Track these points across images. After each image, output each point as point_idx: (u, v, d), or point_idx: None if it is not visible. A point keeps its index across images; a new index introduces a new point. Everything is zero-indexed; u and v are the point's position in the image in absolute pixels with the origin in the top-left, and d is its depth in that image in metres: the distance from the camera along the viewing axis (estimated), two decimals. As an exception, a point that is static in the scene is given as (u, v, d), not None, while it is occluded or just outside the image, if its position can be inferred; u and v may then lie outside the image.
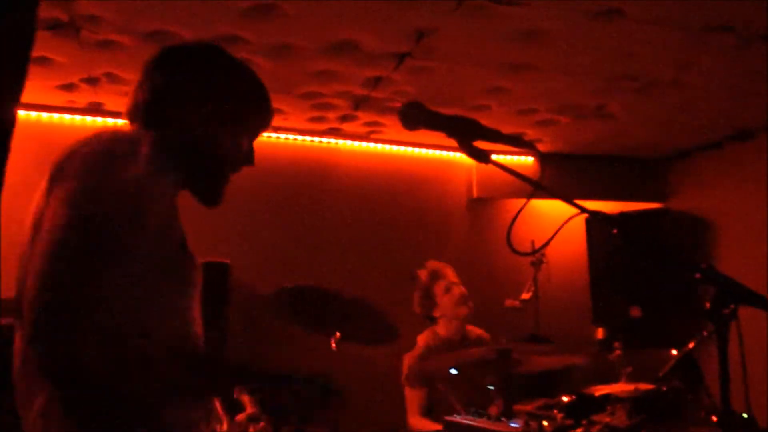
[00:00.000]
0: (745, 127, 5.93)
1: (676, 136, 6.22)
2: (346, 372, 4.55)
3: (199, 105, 1.96)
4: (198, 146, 1.97)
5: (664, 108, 5.26)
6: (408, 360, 4.40)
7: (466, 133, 1.92)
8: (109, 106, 5.02)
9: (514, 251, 2.00)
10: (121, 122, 5.07)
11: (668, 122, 5.67)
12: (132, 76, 1.87)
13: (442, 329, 4.47)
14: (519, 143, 2.00)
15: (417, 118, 1.95)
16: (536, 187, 2.01)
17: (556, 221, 2.15)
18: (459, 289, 4.46)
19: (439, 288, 4.48)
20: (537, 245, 5.26)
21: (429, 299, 4.47)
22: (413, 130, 1.96)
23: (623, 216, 6.34)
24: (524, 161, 6.31)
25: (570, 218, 2.09)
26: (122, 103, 4.77)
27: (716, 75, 4.59)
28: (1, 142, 1.18)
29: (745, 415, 2.52)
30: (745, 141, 6.12)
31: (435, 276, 4.51)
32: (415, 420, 4.24)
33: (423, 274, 4.54)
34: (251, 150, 2.11)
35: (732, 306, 1.93)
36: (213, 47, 2.10)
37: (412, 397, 4.30)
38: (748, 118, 5.69)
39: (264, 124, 2.16)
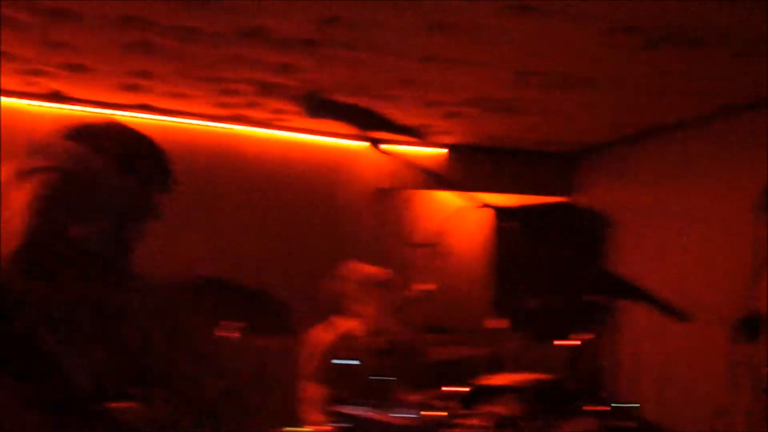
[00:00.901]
0: (649, 125, 6.09)
1: (583, 132, 6.34)
2: (248, 364, 4.54)
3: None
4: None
5: (572, 104, 5.34)
6: (306, 356, 4.32)
7: (364, 123, 1.93)
8: (5, 84, 4.86)
9: (405, 244, 2.02)
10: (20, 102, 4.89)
11: (576, 118, 5.77)
12: (30, 53, 1.80)
13: (354, 328, 4.42)
14: (414, 134, 2.02)
15: (317, 106, 1.95)
16: (433, 177, 2.03)
17: (462, 213, 2.16)
18: (396, 297, 4.38)
19: (375, 290, 4.39)
20: (440, 236, 5.35)
21: (358, 293, 4.37)
22: (314, 118, 1.96)
23: (526, 209, 6.45)
24: (436, 153, 6.37)
25: (462, 211, 2.12)
26: (20, 82, 4.59)
27: (624, 74, 4.69)
28: None
29: (629, 405, 2.60)
30: (650, 138, 6.29)
31: (377, 279, 4.42)
32: (311, 416, 4.18)
33: (364, 273, 4.45)
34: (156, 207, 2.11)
35: (621, 301, 1.99)
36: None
37: (318, 393, 4.25)
38: (653, 117, 5.84)
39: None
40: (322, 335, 4.34)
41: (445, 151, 6.48)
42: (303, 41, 4.08)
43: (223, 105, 5.29)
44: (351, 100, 1.96)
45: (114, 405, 2.87)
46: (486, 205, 2.04)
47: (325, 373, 4.16)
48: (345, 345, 4.27)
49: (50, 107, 5.10)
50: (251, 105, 5.28)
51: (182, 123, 5.53)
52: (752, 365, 2.62)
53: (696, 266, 5.75)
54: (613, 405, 2.54)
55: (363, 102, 2.01)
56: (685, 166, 6.01)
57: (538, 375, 3.78)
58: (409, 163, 2.01)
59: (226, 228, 5.63)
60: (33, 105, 5.06)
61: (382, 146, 1.98)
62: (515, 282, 6.42)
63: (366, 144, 1.95)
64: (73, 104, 5.13)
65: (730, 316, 2.68)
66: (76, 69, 4.53)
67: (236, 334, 3.98)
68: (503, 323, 6.20)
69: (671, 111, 5.64)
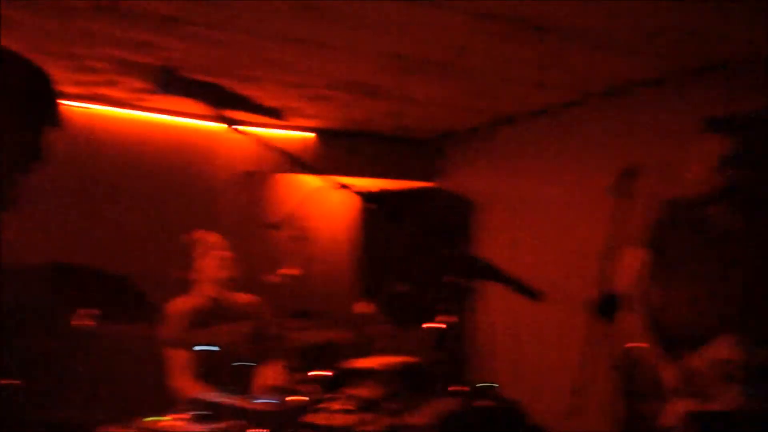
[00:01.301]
0: (513, 111, 6.22)
1: (448, 118, 6.42)
2: (108, 350, 4.40)
3: None
4: None
5: (438, 89, 5.40)
6: (164, 329, 4.23)
7: (219, 101, 1.88)
8: None
9: (267, 227, 1.99)
10: None
11: (441, 103, 5.83)
12: None
13: (199, 297, 4.34)
14: (273, 114, 1.98)
15: (170, 82, 1.89)
16: (297, 161, 2.01)
17: (324, 198, 2.15)
18: (220, 253, 4.36)
19: (199, 250, 4.36)
20: (305, 220, 5.32)
21: (190, 261, 4.33)
22: (167, 94, 1.90)
23: (390, 193, 6.50)
24: (303, 137, 6.32)
25: (324, 194, 2.10)
26: None
27: (488, 60, 4.76)
28: None
29: (488, 385, 2.65)
30: (513, 125, 6.43)
31: (201, 241, 4.38)
32: (184, 382, 4.08)
33: (189, 239, 4.40)
34: (38, 146, 1.93)
35: (472, 279, 2.02)
36: None
37: (177, 357, 4.15)
38: (517, 104, 5.97)
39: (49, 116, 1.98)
40: (179, 305, 4.25)
41: (312, 135, 6.44)
42: (163, 18, 3.96)
43: (79, 83, 5.07)
44: (213, 81, 1.91)
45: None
46: (346, 186, 2.03)
47: (180, 342, 4.06)
48: (195, 313, 4.19)
49: None
50: (109, 83, 5.09)
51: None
52: (607, 344, 2.72)
53: (555, 249, 5.93)
54: (474, 385, 2.58)
55: (226, 83, 1.96)
56: (545, 151, 6.17)
57: (402, 358, 3.82)
58: (272, 146, 1.97)
59: (82, 211, 5.41)
60: None
61: (246, 129, 1.95)
62: (381, 266, 6.47)
63: (228, 126, 1.91)
64: None
65: (587, 296, 2.77)
66: None
67: (91, 323, 3.85)
68: (369, 307, 6.24)
69: (530, 98, 5.78)
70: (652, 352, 3.46)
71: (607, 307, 2.61)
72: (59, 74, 4.89)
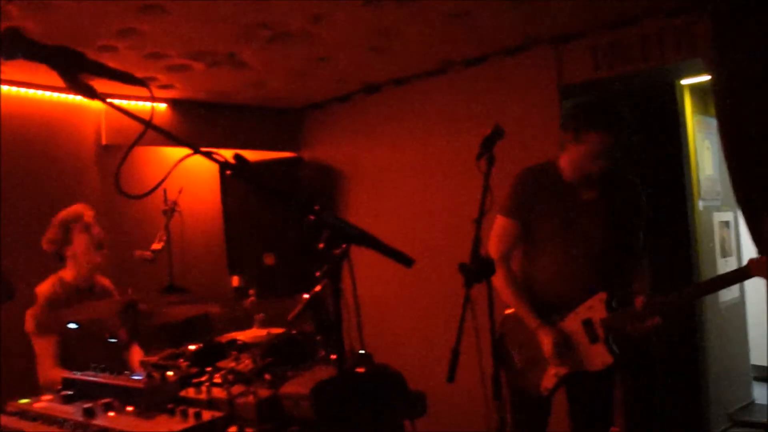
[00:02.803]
0: (373, 80, 6.24)
1: (310, 88, 6.39)
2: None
3: None
4: None
5: (298, 59, 5.35)
6: (32, 312, 4.05)
7: (69, 66, 1.77)
8: None
9: (123, 194, 1.90)
10: None
11: (302, 74, 5.79)
12: None
13: (69, 274, 4.17)
14: (128, 79, 1.89)
15: (14, 46, 1.76)
16: (159, 132, 1.93)
17: (190, 170, 2.08)
18: (98, 231, 4.19)
19: (77, 227, 4.16)
20: (169, 193, 5.19)
21: (64, 236, 4.13)
22: (11, 59, 1.77)
23: (254, 164, 6.41)
24: (156, 108, 6.12)
25: (181, 160, 2.03)
26: None
27: (347, 30, 4.74)
28: None
29: (362, 352, 2.65)
30: (373, 94, 6.45)
31: (76, 216, 4.18)
32: (49, 371, 3.93)
33: (63, 213, 4.20)
34: None
35: (343, 246, 1.99)
36: None
37: (43, 346, 3.99)
38: (376, 73, 5.98)
39: None
40: (44, 288, 4.08)
41: (164, 106, 6.27)
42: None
43: None
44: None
45: None
46: (209, 156, 1.97)
47: (55, 330, 3.91)
48: (64, 292, 4.05)
49: None
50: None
51: None
52: (480, 309, 2.76)
53: (426, 216, 6.01)
54: (349, 353, 2.58)
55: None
56: (406, 120, 6.23)
57: (274, 329, 3.79)
58: (132, 118, 1.88)
59: None
60: None
61: (99, 99, 1.85)
62: (249, 238, 6.40)
63: (90, 99, 1.81)
64: None
65: (458, 261, 2.80)
66: None
67: None
68: (238, 281, 6.18)
69: (390, 67, 5.81)
70: (525, 317, 3.56)
71: (478, 271, 2.64)
72: None
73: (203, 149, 2.00)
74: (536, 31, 5.01)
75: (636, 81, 5.00)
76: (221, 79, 5.75)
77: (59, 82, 1.80)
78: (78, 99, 5.71)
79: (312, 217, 1.94)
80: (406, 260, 2.04)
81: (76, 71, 1.80)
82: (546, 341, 3.47)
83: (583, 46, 5.05)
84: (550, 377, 3.51)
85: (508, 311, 3.69)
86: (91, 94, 1.83)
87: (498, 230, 3.68)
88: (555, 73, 5.18)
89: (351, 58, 5.44)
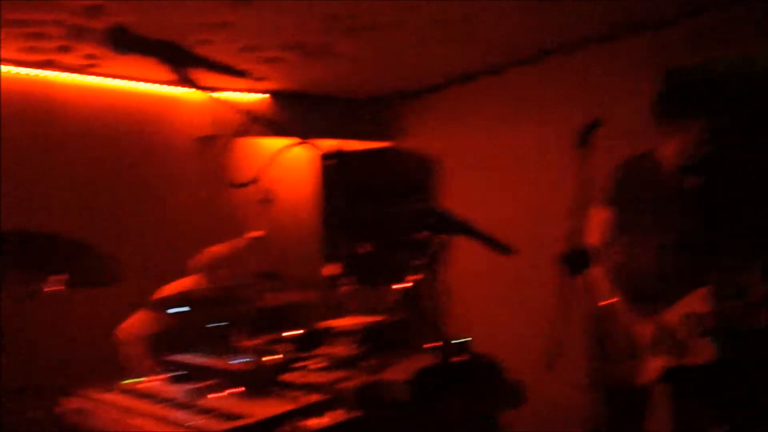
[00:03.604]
0: (468, 69, 6.20)
1: (404, 77, 6.39)
2: (74, 315, 4.36)
3: None
4: None
5: (391, 49, 5.36)
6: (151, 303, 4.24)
7: (176, 59, 1.84)
8: None
9: (228, 183, 1.96)
10: None
11: (395, 63, 5.80)
12: None
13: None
14: (230, 72, 1.94)
15: (125, 41, 1.84)
16: (257, 123, 1.98)
17: (286, 159, 2.12)
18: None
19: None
20: (266, 183, 5.28)
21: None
22: (122, 53, 1.84)
23: (351, 154, 6.47)
24: (258, 99, 6.24)
25: (287, 156, 2.07)
26: None
27: (440, 18, 4.73)
28: None
29: (461, 341, 2.65)
30: (468, 83, 6.42)
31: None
32: (152, 365, 4.08)
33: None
34: None
35: (445, 237, 2.00)
36: None
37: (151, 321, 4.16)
38: (470, 61, 5.95)
39: None
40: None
41: (266, 96, 6.37)
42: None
43: (31, 50, 4.95)
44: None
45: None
46: (307, 144, 2.00)
47: (160, 317, 4.07)
48: (178, 293, 4.20)
49: None
50: (62, 49, 4.97)
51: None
52: (578, 299, 2.73)
53: (522, 204, 5.96)
54: (447, 341, 2.59)
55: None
56: (506, 107, 6.18)
57: (374, 317, 3.83)
58: (231, 109, 1.93)
59: (40, 179, 5.32)
60: None
61: (203, 89, 1.91)
62: (345, 227, 6.45)
63: (187, 90, 1.87)
64: None
65: (555, 251, 2.78)
66: None
67: (61, 287, 3.83)
68: (336, 269, 6.24)
69: (485, 56, 5.78)
70: (623, 309, 3.50)
71: (576, 262, 2.62)
72: (10, 42, 4.78)
73: (303, 140, 2.04)
74: (633, 16, 4.90)
75: (738, 65, 4.85)
76: (315, 69, 5.81)
77: (154, 74, 1.87)
78: (178, 91, 5.87)
79: (410, 207, 1.96)
80: (503, 249, 2.04)
81: (183, 64, 1.86)
82: (645, 334, 3.41)
83: (682, 31, 4.91)
84: (648, 370, 3.45)
85: (606, 302, 3.64)
86: (196, 86, 1.89)
87: (596, 220, 3.62)
88: (653, 58, 5.05)
89: (444, 47, 5.42)
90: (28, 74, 5.32)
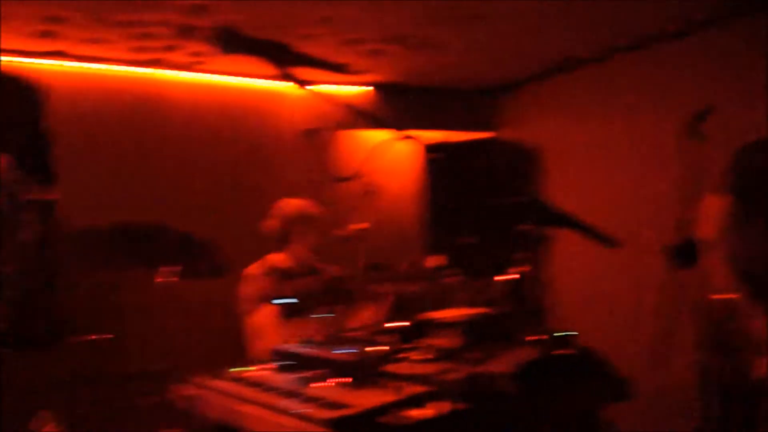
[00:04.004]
0: (571, 58, 6.10)
1: (507, 67, 6.33)
2: (180, 306, 4.51)
3: None
4: None
5: (493, 39, 5.33)
6: (242, 293, 4.32)
7: (280, 57, 1.88)
8: None
9: (334, 178, 2.00)
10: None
11: (498, 52, 5.76)
12: None
13: (280, 260, 4.40)
14: (333, 68, 1.98)
15: (233, 42, 1.89)
16: (360, 116, 2.00)
17: (389, 151, 2.14)
18: (317, 231, 4.40)
19: (299, 222, 4.39)
20: (369, 174, 5.32)
21: (284, 227, 4.37)
22: (229, 53, 1.90)
23: (454, 145, 6.46)
24: (360, 92, 6.30)
25: (390, 148, 2.09)
26: None
27: (542, 7, 4.67)
28: None
29: (566, 333, 2.63)
30: (572, 71, 6.32)
31: (299, 212, 4.41)
32: (266, 343, 4.17)
33: (288, 207, 4.44)
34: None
35: (547, 229, 1.99)
36: None
37: (254, 323, 4.24)
38: (574, 50, 5.85)
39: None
40: (254, 271, 4.32)
41: (369, 89, 6.41)
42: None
43: (140, 49, 5.12)
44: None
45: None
46: (411, 138, 2.01)
47: (256, 304, 4.15)
48: (276, 279, 4.26)
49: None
50: (169, 48, 5.12)
51: (100, 69, 5.33)
52: (687, 292, 2.67)
53: (628, 196, 5.82)
54: (552, 334, 2.57)
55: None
56: (612, 96, 6.04)
57: (477, 309, 3.81)
58: (335, 102, 1.96)
59: (151, 174, 5.51)
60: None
61: (306, 86, 1.95)
62: (448, 217, 6.45)
63: (290, 84, 1.91)
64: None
65: (663, 243, 2.72)
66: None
67: (175, 279, 3.99)
68: (440, 260, 6.24)
69: (591, 43, 5.67)
70: (739, 302, 3.38)
71: (686, 254, 2.55)
72: (119, 42, 4.95)
73: (405, 133, 2.05)
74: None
75: None
76: (417, 61, 5.82)
77: (257, 70, 1.92)
78: (282, 86, 5.98)
79: (514, 201, 1.95)
80: (609, 242, 2.01)
81: (287, 63, 1.90)
82: (761, 328, 3.29)
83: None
84: (762, 366, 3.33)
85: (719, 296, 3.52)
86: (300, 82, 1.92)
87: (711, 210, 3.50)
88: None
89: (549, 35, 5.34)
90: (136, 73, 5.51)
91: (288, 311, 4.15)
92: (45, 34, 4.71)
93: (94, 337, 4.40)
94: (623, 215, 5.67)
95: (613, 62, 5.95)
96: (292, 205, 4.43)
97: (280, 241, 4.40)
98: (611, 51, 5.87)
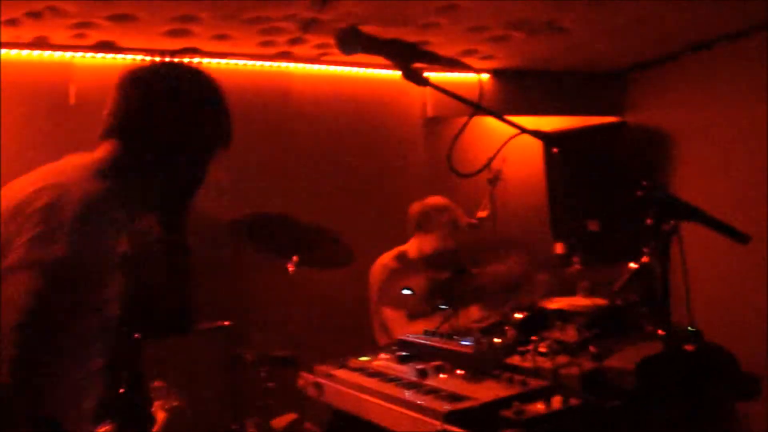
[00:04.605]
0: (703, 37, 5.89)
1: (633, 49, 6.17)
2: (305, 296, 4.64)
3: (169, 125, 1.98)
4: (162, 169, 2.00)
5: (619, 20, 5.20)
6: (373, 283, 4.43)
7: (403, 56, 1.92)
8: (54, 39, 4.90)
9: (457, 173, 2.02)
10: (68, 55, 5.00)
11: (624, 34, 5.61)
12: (74, 8, 1.78)
13: (413, 251, 4.48)
14: (456, 65, 2.00)
15: (354, 42, 1.94)
16: (475, 106, 2.01)
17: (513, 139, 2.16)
18: (458, 228, 4.46)
19: (439, 218, 4.46)
20: (493, 162, 5.31)
21: (423, 221, 4.46)
22: (351, 54, 1.95)
23: (578, 131, 6.35)
24: (479, 79, 6.27)
25: (510, 138, 2.09)
26: (67, 36, 4.68)
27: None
28: None
29: (691, 329, 2.57)
30: (703, 52, 6.09)
31: (441, 209, 4.49)
32: (391, 325, 4.27)
33: (432, 202, 4.52)
34: (204, 173, 2.12)
35: (672, 222, 1.95)
36: (183, 67, 2.12)
37: (388, 314, 4.34)
38: (706, 29, 5.65)
39: (222, 145, 2.17)
40: (386, 260, 4.42)
41: (486, 77, 6.38)
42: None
43: (267, 43, 5.26)
44: (391, 30, 1.95)
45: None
46: (528, 131, 2.02)
47: (388, 296, 4.24)
48: (404, 268, 4.35)
49: (99, 58, 5.12)
50: (295, 41, 5.24)
51: (229, 64, 5.51)
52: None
53: (763, 187, 5.55)
54: (676, 329, 2.51)
55: (404, 32, 1.99)
56: (746, 78, 5.77)
57: (599, 299, 3.77)
58: (457, 91, 1.99)
59: (278, 166, 5.65)
60: (82, 57, 5.08)
61: (427, 74, 1.98)
62: (572, 205, 6.36)
63: (419, 85, 1.95)
64: (121, 53, 5.14)
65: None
66: (123, 19, 4.53)
67: (300, 268, 4.11)
68: (562, 248, 6.17)
69: (727, 22, 5.45)
70: None
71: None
72: (248, 38, 5.10)
73: (526, 127, 2.05)
74: None
75: None
76: (540, 46, 5.74)
77: (381, 60, 1.95)
78: (400, 74, 6.02)
79: (639, 193, 1.92)
80: (740, 237, 1.95)
81: (410, 60, 1.93)
82: None
83: None
84: None
85: None
86: (421, 82, 1.95)
87: None
88: None
89: (677, 15, 5.17)
90: (262, 66, 5.66)
91: (414, 302, 4.22)
92: (176, 33, 4.89)
93: (222, 323, 4.58)
94: (754, 205, 5.43)
95: (752, 40, 5.68)
96: (429, 197, 4.51)
97: (414, 232, 4.47)
98: (751, 28, 5.61)
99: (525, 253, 5.79)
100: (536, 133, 1.98)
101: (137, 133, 1.95)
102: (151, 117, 1.95)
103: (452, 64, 2.02)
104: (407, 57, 1.93)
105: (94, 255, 1.71)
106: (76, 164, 1.88)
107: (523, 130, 1.97)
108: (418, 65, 2.00)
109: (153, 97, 1.97)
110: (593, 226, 6.16)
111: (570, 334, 2.80)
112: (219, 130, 2.14)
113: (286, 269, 4.21)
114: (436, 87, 1.95)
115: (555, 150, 2.04)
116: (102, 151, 1.95)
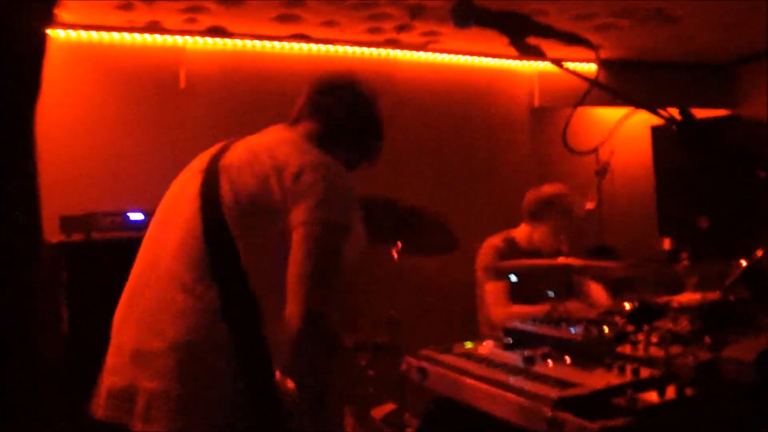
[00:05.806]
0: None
1: (745, 39, 5.97)
2: (408, 281, 4.64)
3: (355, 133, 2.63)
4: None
5: (730, 9, 5.04)
6: (480, 260, 4.41)
7: (517, 29, 1.87)
8: (167, 24, 5.00)
9: (571, 150, 1.96)
10: (180, 39, 5.10)
11: (735, 24, 5.44)
12: None
13: (521, 236, 4.44)
14: (574, 40, 1.94)
15: (468, 14, 1.90)
16: (593, 84, 1.95)
17: (621, 130, 2.10)
18: (574, 219, 4.40)
19: (556, 207, 4.41)
20: (601, 154, 5.22)
21: (539, 207, 4.42)
22: (464, 27, 1.91)
23: (700, 122, 6.16)
24: (585, 68, 6.15)
25: (627, 116, 2.02)
26: (178, 21, 4.78)
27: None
28: (33, 65, 1.11)
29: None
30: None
31: (559, 197, 4.44)
32: (502, 309, 4.23)
33: (550, 189, 4.47)
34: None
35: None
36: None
37: (491, 289, 4.31)
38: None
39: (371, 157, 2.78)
40: (495, 241, 4.39)
41: (594, 67, 6.24)
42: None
43: (374, 30, 5.27)
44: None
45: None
46: (645, 107, 1.95)
47: (493, 272, 4.21)
48: (510, 250, 4.31)
49: (210, 43, 5.21)
50: (402, 28, 5.23)
51: (336, 51, 5.54)
52: None
53: None
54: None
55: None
56: None
57: (708, 293, 3.64)
58: (564, 80, 1.93)
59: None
60: (194, 42, 5.18)
61: (543, 58, 1.93)
62: (681, 199, 6.19)
63: (521, 63, 1.90)
64: (231, 38, 5.23)
65: None
66: (233, 3, 4.61)
67: (406, 253, 4.11)
68: (670, 243, 6.01)
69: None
70: None
71: None
72: (355, 25, 5.11)
73: (639, 109, 1.98)
74: None
75: None
76: (648, 35, 5.61)
77: (497, 49, 1.91)
78: (511, 64, 5.96)
79: (762, 174, 1.83)
80: None
81: (523, 34, 1.88)
82: None
83: None
84: None
85: None
86: (538, 54, 1.90)
87: None
88: None
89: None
90: (370, 54, 5.67)
91: (519, 287, 4.18)
92: (285, 18, 4.94)
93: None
94: None
95: None
96: (545, 185, 4.46)
97: (528, 219, 4.42)
98: None
99: (635, 247, 5.68)
100: (653, 110, 1.91)
101: (336, 119, 2.53)
102: (351, 111, 2.59)
103: (569, 38, 1.95)
104: (521, 30, 1.88)
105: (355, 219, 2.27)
106: (298, 138, 2.39)
107: (649, 109, 1.89)
108: (532, 41, 1.95)
109: (354, 96, 2.64)
110: (703, 223, 5.98)
111: (683, 325, 2.71)
112: (379, 144, 2.78)
113: (391, 255, 4.22)
114: (553, 60, 1.89)
115: (674, 127, 1.94)
116: (304, 128, 2.45)
